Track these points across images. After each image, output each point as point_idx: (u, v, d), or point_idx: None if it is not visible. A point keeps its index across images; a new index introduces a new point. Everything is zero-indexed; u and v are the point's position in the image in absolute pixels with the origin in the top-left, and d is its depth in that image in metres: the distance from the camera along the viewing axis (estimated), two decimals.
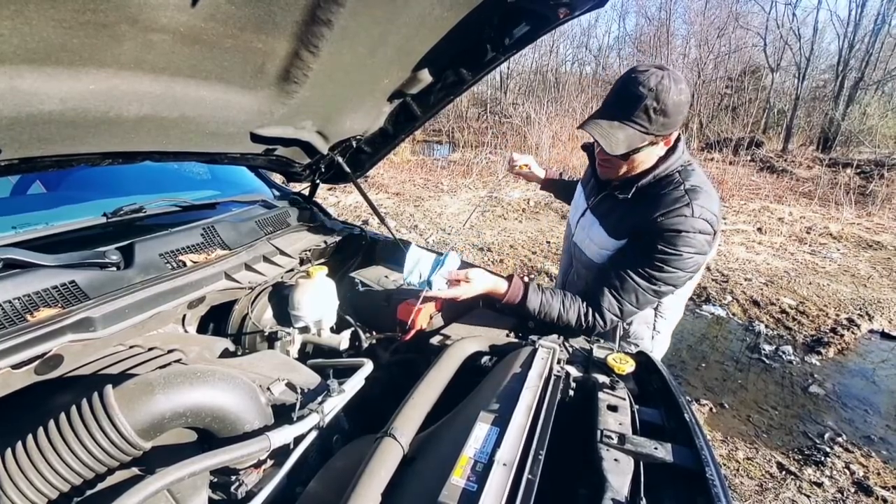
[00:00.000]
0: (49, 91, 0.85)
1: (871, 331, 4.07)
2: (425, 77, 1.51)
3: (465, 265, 1.66)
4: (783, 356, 3.61)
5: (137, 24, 0.81)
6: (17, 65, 0.79)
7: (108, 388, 0.77)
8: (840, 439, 2.74)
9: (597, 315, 1.34)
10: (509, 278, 1.39)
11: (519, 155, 1.95)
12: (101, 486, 0.79)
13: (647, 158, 1.30)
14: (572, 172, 2.22)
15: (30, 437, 0.73)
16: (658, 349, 1.63)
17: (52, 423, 0.74)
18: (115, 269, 1.19)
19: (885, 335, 4.02)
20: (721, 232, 6.15)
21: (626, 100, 1.19)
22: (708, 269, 5.08)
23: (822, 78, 15.38)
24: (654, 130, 1.20)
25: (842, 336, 3.85)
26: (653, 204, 1.28)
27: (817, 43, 14.39)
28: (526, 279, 1.39)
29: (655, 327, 1.58)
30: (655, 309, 1.54)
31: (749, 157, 11.58)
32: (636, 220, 1.32)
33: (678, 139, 1.34)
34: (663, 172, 1.31)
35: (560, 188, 2.04)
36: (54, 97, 0.86)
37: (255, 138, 1.44)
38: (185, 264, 1.32)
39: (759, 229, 6.60)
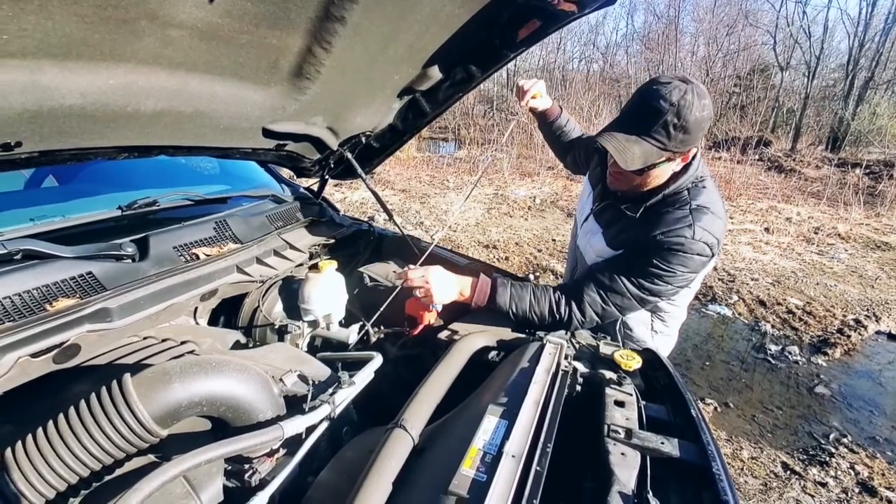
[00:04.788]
0: (70, 85, 0.86)
1: (877, 332, 4.05)
2: (435, 74, 1.51)
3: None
4: (789, 356, 3.60)
5: (157, 20, 0.83)
6: (40, 59, 0.80)
7: (127, 377, 0.79)
8: (845, 440, 2.73)
9: (573, 307, 1.32)
10: (475, 276, 1.36)
11: (526, 81, 1.69)
12: (118, 471, 0.81)
13: (662, 174, 1.27)
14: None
15: (50, 423, 0.74)
16: (663, 348, 1.64)
17: (72, 410, 0.75)
18: (130, 261, 1.21)
19: (891, 336, 4.00)
20: (727, 232, 6.13)
21: (646, 113, 1.14)
22: (714, 268, 5.07)
23: (831, 77, 15.25)
24: (672, 147, 1.15)
25: (848, 337, 3.83)
26: (656, 222, 1.26)
27: (827, 41, 14.28)
28: (495, 275, 1.36)
29: (653, 328, 1.58)
30: (652, 311, 1.54)
31: (757, 157, 11.49)
32: (636, 234, 1.30)
33: (695, 154, 1.29)
34: (673, 191, 1.28)
35: (556, 138, 1.87)
36: (74, 91, 0.88)
37: (267, 133, 1.45)
38: (198, 257, 1.34)
39: (767, 229, 6.57)
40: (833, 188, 8.65)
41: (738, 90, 15.39)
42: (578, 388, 1.11)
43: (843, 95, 13.52)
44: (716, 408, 2.97)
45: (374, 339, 1.55)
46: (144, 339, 1.20)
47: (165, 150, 1.25)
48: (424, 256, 1.48)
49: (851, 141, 13.07)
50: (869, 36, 13.28)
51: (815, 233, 6.49)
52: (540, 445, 0.82)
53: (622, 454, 0.86)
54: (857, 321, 4.09)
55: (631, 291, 1.29)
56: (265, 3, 0.93)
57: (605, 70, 18.06)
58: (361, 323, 1.55)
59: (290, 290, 1.55)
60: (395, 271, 1.39)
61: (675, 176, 1.29)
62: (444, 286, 1.33)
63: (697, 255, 1.23)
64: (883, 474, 2.49)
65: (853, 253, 5.86)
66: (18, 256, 1.06)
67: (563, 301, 1.33)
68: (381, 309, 1.39)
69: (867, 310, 4.33)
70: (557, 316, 1.33)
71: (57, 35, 0.77)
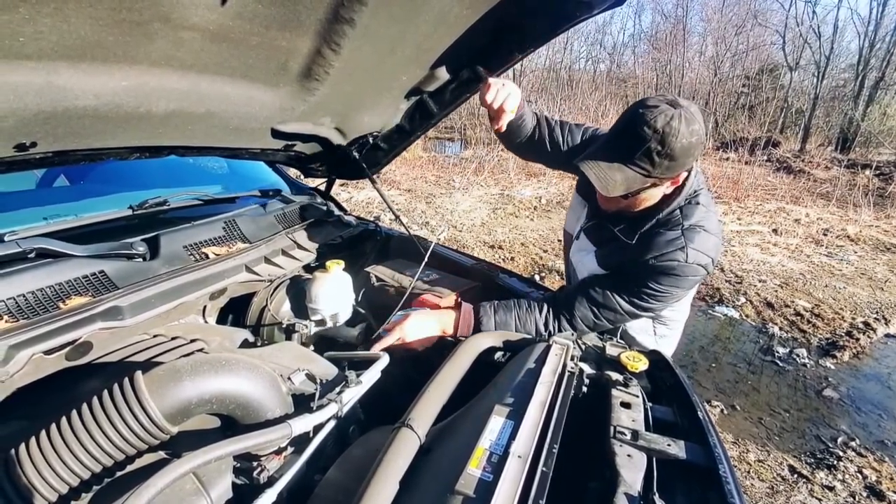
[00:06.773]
0: (84, 87, 0.88)
1: (886, 335, 4.01)
2: (442, 75, 1.52)
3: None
4: (797, 359, 3.57)
5: (169, 23, 0.84)
6: (55, 61, 0.81)
7: (138, 374, 0.80)
8: (853, 443, 2.71)
9: (563, 321, 1.31)
10: (457, 308, 1.35)
11: (496, 80, 1.30)
12: (129, 468, 0.82)
13: (651, 196, 1.24)
14: None
15: (63, 419, 0.76)
16: (667, 349, 1.63)
17: (84, 407, 0.77)
18: (141, 259, 1.22)
19: None
20: (735, 233, 6.09)
21: (630, 139, 1.09)
22: (721, 269, 5.04)
23: (841, 77, 15.09)
24: (657, 174, 1.11)
25: (857, 340, 3.80)
26: (648, 245, 1.24)
27: (837, 41, 14.13)
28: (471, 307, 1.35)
29: (656, 332, 1.57)
30: (653, 318, 1.52)
31: (765, 157, 11.42)
32: (629, 257, 1.28)
33: (689, 170, 1.24)
34: (666, 214, 1.25)
35: (525, 146, 1.54)
36: (88, 93, 0.89)
37: (276, 134, 1.46)
38: (207, 256, 1.35)
39: (775, 230, 6.52)
40: (842, 189, 8.56)
41: (746, 90, 15.29)
42: (584, 389, 1.11)
43: (853, 96, 13.39)
44: (722, 410, 2.96)
45: None
46: (154, 336, 1.21)
47: (176, 150, 1.27)
48: (426, 258, 1.49)
49: (861, 142, 12.93)
50: (879, 36, 13.15)
51: (824, 234, 6.44)
52: (546, 446, 0.82)
53: (628, 455, 0.86)
54: (866, 324, 4.05)
55: (623, 308, 1.28)
56: (275, 6, 0.94)
57: (612, 70, 18.02)
58: (367, 322, 1.55)
59: (298, 290, 1.56)
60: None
61: (668, 198, 1.25)
62: (422, 332, 1.32)
63: (691, 276, 1.22)
64: (891, 478, 2.46)
65: (862, 255, 5.81)
66: (32, 255, 1.08)
67: (552, 317, 1.32)
68: (394, 312, 1.40)
69: (876, 312, 4.29)
70: (546, 333, 1.32)
71: (72, 37, 0.78)
